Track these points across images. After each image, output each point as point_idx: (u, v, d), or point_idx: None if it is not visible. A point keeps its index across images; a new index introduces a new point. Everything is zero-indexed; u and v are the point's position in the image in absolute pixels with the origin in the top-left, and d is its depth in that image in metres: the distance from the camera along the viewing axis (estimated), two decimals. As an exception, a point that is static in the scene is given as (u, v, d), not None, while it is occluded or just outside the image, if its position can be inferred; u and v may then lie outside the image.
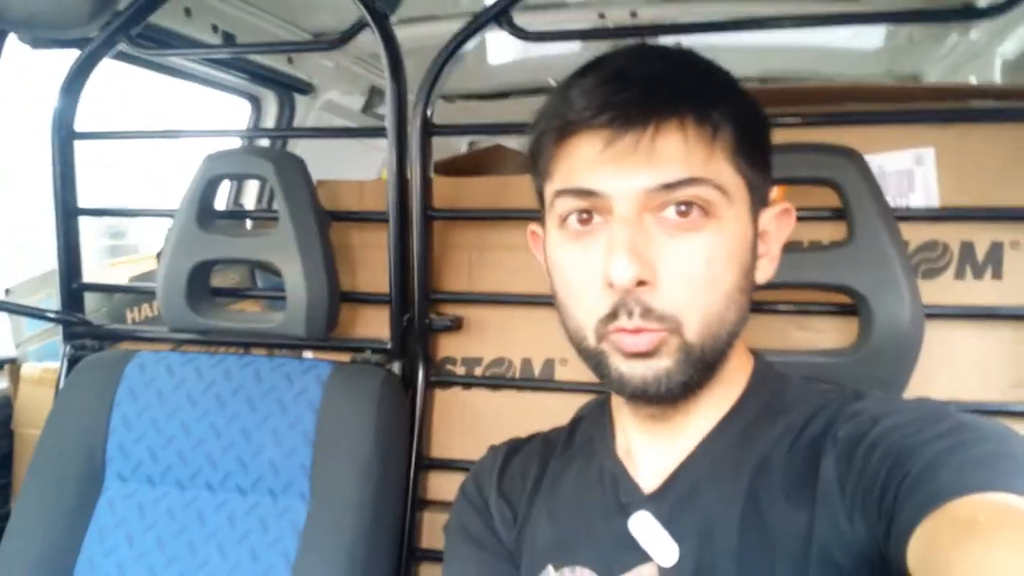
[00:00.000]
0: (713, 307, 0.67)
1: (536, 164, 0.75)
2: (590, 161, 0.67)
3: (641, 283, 0.64)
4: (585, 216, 0.68)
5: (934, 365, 1.05)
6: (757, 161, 0.71)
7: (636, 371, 0.67)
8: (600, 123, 0.66)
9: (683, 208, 0.65)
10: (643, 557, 0.71)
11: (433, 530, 1.24)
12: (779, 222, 0.75)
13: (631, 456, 0.77)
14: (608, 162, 0.66)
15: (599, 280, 0.66)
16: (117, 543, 1.17)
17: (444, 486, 1.26)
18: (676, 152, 0.65)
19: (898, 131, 1.12)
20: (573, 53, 2.24)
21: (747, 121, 0.70)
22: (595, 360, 0.70)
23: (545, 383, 1.23)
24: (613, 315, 0.66)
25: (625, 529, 0.72)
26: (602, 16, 1.92)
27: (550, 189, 0.72)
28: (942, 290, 1.07)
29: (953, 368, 1.07)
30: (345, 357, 1.28)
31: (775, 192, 0.77)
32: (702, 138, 0.66)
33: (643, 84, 0.66)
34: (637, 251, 0.64)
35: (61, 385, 1.36)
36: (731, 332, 0.69)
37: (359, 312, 1.36)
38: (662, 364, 0.66)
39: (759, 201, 0.72)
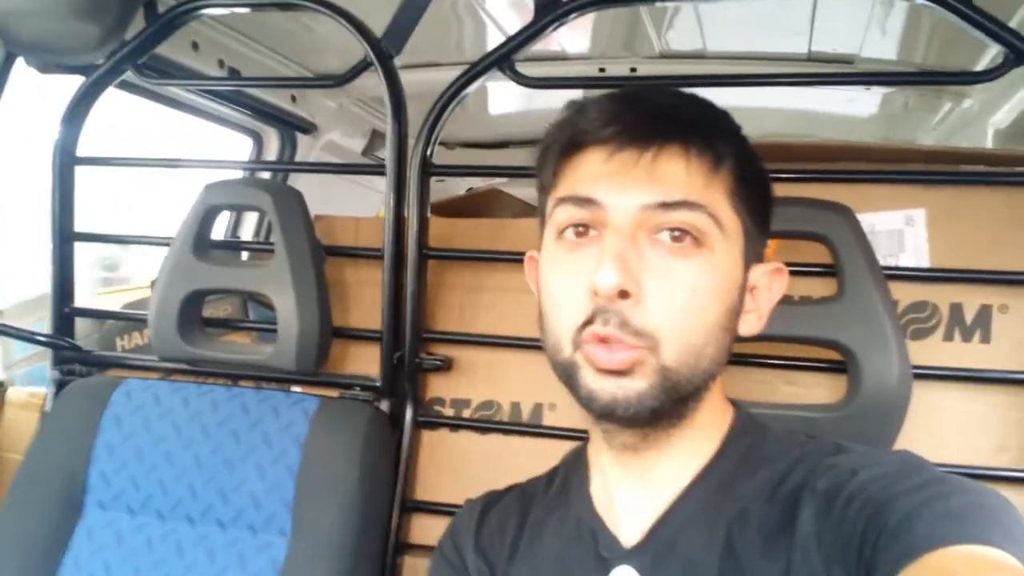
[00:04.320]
0: (693, 336, 0.67)
1: (542, 176, 0.76)
2: (592, 172, 0.69)
3: (624, 294, 0.64)
4: (581, 230, 0.69)
5: (920, 426, 1.04)
6: (755, 210, 0.72)
7: (606, 388, 0.67)
8: (606, 136, 0.68)
9: (677, 234, 0.67)
10: None
11: (415, 575, 1.22)
12: (771, 279, 0.75)
13: (610, 504, 0.76)
14: (609, 174, 0.68)
15: (584, 289, 0.66)
16: (94, 572, 1.15)
17: (428, 530, 1.24)
18: (677, 174, 0.67)
19: (890, 191, 1.13)
20: (568, 101, 2.27)
21: (748, 166, 0.72)
22: (568, 373, 0.70)
23: (533, 428, 1.23)
24: (590, 321, 0.66)
25: None
26: (602, 70, 1.95)
27: (552, 199, 0.73)
28: (931, 351, 1.08)
29: (939, 430, 1.07)
30: (334, 393, 1.28)
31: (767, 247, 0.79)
32: (703, 166, 0.68)
33: (653, 107, 0.70)
34: (625, 263, 0.65)
35: (47, 409, 1.35)
36: (708, 368, 0.69)
37: (350, 348, 1.35)
38: (635, 385, 0.66)
39: (753, 252, 0.73)
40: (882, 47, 1.75)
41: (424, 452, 1.27)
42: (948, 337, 1.09)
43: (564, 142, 0.72)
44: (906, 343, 1.00)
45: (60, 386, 1.35)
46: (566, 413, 1.21)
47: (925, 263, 1.11)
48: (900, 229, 1.11)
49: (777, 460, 0.71)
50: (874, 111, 2.18)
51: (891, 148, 1.16)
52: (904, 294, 1.09)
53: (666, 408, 0.68)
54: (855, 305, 1.00)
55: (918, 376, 1.02)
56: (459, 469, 1.25)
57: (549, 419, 1.23)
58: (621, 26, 1.83)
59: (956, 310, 1.08)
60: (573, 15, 1.18)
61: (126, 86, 1.57)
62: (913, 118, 2.18)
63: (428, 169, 1.25)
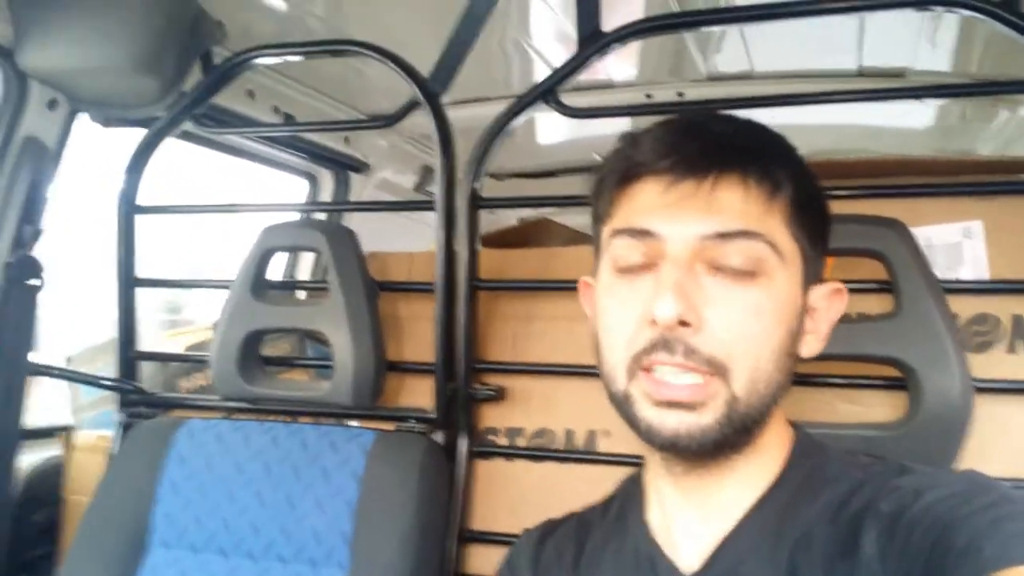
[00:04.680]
0: (762, 362, 0.66)
1: (597, 206, 0.76)
2: (649, 204, 0.69)
3: (684, 324, 0.64)
4: (638, 260, 0.69)
5: (989, 441, 1.01)
6: (813, 233, 0.72)
7: (667, 422, 0.66)
8: (663, 167, 0.68)
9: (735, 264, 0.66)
10: None
11: (473, 606, 1.22)
12: (830, 301, 0.74)
13: (668, 531, 0.75)
14: (667, 205, 0.67)
15: (641, 317, 0.66)
16: (159, 610, 1.17)
17: (485, 560, 1.23)
18: (735, 203, 0.67)
19: (946, 204, 1.11)
20: (622, 132, 2.27)
21: (806, 190, 0.71)
22: (622, 405, 0.69)
23: (588, 455, 1.22)
24: (650, 351, 0.65)
25: None
26: (649, 96, 1.95)
27: (608, 230, 0.73)
28: (994, 364, 1.05)
29: (1009, 445, 1.04)
30: (390, 426, 1.29)
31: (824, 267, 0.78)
32: (761, 194, 0.68)
33: (710, 136, 0.69)
34: (684, 292, 0.64)
35: (113, 451, 1.38)
36: (774, 396, 0.68)
37: (405, 381, 1.37)
38: (701, 420, 0.65)
39: (812, 274, 0.72)
40: (934, 59, 1.73)
41: (479, 482, 1.27)
42: (1011, 350, 1.05)
43: (620, 173, 0.72)
44: (968, 358, 0.98)
45: (126, 428, 1.39)
46: (620, 440, 1.20)
47: (985, 275, 1.09)
48: (958, 242, 1.09)
49: (839, 482, 0.70)
50: (930, 123, 2.14)
51: (945, 161, 1.14)
52: (964, 307, 1.07)
53: (730, 439, 0.67)
54: (913, 321, 0.98)
55: (982, 390, 0.99)
56: (515, 498, 1.24)
57: (603, 446, 1.22)
58: (667, 52, 1.83)
59: (1018, 322, 1.05)
60: (616, 45, 1.18)
61: (186, 136, 1.62)
62: (971, 128, 2.13)
63: (477, 202, 1.26)
